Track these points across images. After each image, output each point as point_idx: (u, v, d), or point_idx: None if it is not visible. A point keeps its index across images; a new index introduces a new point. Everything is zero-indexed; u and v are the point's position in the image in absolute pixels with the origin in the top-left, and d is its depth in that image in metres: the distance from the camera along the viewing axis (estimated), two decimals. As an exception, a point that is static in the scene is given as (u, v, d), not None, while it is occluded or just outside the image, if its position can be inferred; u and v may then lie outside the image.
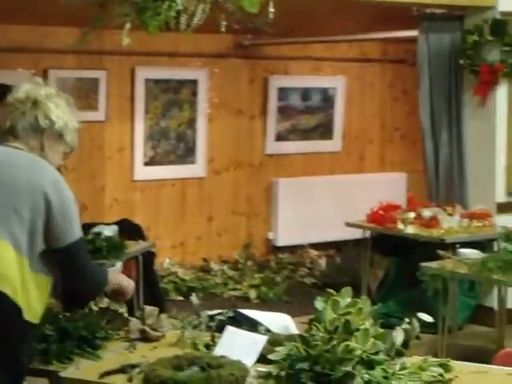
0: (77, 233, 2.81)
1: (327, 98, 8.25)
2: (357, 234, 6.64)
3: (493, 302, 5.87)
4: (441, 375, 2.93)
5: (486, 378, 3.00)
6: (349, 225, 6.58)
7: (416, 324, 3.05)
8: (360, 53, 8.40)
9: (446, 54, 6.63)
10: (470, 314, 6.50)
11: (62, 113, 2.89)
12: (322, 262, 7.90)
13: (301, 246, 8.07)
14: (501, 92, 6.55)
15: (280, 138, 8.11)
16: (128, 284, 3.10)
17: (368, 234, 6.52)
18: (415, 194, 6.95)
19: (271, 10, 3.99)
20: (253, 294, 7.12)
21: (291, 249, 8.08)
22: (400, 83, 8.57)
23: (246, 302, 6.94)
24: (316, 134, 8.29)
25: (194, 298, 3.51)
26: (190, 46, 7.34)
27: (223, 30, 4.00)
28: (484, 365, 3.16)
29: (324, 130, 8.33)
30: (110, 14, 3.93)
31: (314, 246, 8.11)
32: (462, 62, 6.51)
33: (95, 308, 3.41)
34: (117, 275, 3.13)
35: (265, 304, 6.83)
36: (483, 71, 6.41)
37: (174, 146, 7.62)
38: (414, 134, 7.56)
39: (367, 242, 6.55)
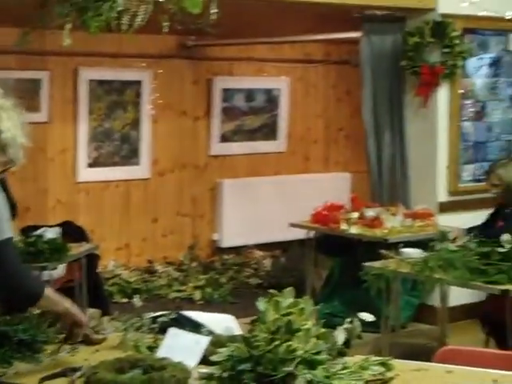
0: (5, 232, 2.77)
1: (271, 99, 8.27)
2: (301, 234, 6.66)
3: (435, 300, 5.93)
4: (382, 374, 2.95)
5: (426, 376, 3.03)
6: (293, 225, 6.60)
7: (357, 323, 3.08)
8: (303, 54, 8.45)
9: (388, 55, 6.69)
10: (412, 313, 6.58)
11: (12, 126, 2.85)
12: (267, 263, 7.91)
13: (246, 247, 8.07)
14: (441, 93, 6.64)
15: (224, 138, 8.12)
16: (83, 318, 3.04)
17: (312, 234, 6.55)
18: (359, 194, 7.01)
19: (214, 10, 3.99)
20: (197, 295, 7.11)
21: (236, 250, 8.08)
22: (343, 84, 8.63)
23: (190, 303, 6.93)
24: (260, 134, 8.31)
25: (136, 300, 3.49)
26: (133, 46, 7.31)
27: (166, 30, 3.99)
28: (425, 362, 3.19)
29: (268, 131, 8.36)
30: (51, 13, 3.89)
31: (259, 246, 8.12)
32: (403, 63, 6.58)
33: (37, 311, 3.37)
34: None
35: (209, 305, 6.82)
36: (424, 72, 6.49)
37: (117, 147, 7.58)
38: (358, 134, 7.61)
39: (311, 242, 6.58)
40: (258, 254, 8.04)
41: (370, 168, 6.86)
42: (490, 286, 4.58)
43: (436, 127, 6.67)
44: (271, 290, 3.02)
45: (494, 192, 5.47)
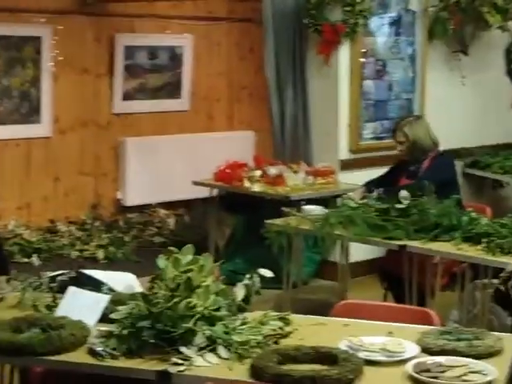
0: None
1: (174, 57, 8.20)
2: (205, 192, 6.67)
3: (336, 256, 6.03)
4: (281, 328, 3.01)
5: (324, 329, 3.10)
6: (196, 183, 6.61)
7: (256, 280, 3.12)
8: (206, 11, 8.37)
9: (291, 13, 6.70)
10: (314, 269, 6.69)
11: None
12: (171, 221, 7.90)
13: (150, 206, 8.04)
14: (343, 51, 6.70)
15: (128, 97, 8.01)
16: None
17: (215, 192, 6.57)
18: (262, 153, 7.04)
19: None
20: (101, 254, 7.06)
21: (140, 208, 8.03)
22: (247, 42, 8.60)
23: (93, 262, 6.87)
24: (164, 92, 8.24)
25: (35, 259, 3.46)
26: (31, 1, 7.11)
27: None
28: (323, 317, 3.26)
29: (172, 89, 8.29)
30: None
31: (163, 205, 8.09)
32: (305, 21, 6.61)
33: None
34: None
35: (113, 264, 6.78)
36: (326, 31, 6.54)
37: (17, 105, 7.41)
38: (262, 92, 7.62)
39: (214, 200, 6.60)
40: (162, 212, 8.01)
41: (273, 126, 6.90)
42: (388, 241, 4.68)
43: (338, 85, 6.73)
44: (172, 248, 3.03)
45: (400, 149, 5.53)
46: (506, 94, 8.05)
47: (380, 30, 6.95)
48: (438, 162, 5.47)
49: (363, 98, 6.88)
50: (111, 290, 3.28)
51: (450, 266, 5.03)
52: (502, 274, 4.13)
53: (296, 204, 5.62)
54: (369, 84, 6.93)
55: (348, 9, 6.53)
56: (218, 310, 2.92)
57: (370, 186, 5.50)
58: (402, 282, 4.78)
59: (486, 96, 7.81)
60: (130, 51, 7.92)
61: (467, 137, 7.49)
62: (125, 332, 2.83)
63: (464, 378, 2.62)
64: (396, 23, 7.05)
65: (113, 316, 2.89)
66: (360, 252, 6.19)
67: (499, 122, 7.92)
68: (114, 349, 2.78)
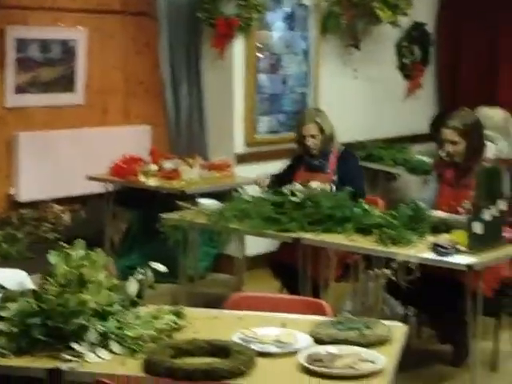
0: None
1: (68, 50, 8.06)
2: (101, 187, 6.59)
3: (233, 250, 6.05)
4: (174, 322, 3.00)
5: (218, 322, 3.11)
6: (91, 178, 6.53)
7: (150, 274, 3.10)
8: (100, 4, 8.26)
9: (185, 6, 6.68)
10: (211, 263, 6.70)
11: None
12: (66, 217, 7.78)
13: (44, 202, 7.89)
14: (238, 45, 6.72)
15: (20, 90, 7.84)
16: None
17: (111, 187, 6.50)
18: (159, 147, 7.00)
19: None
20: (-7, 251, 6.90)
21: (34, 204, 7.88)
22: (143, 36, 8.51)
23: (-15, 260, 6.72)
24: (58, 86, 8.09)
25: None
26: None
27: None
28: (217, 310, 3.27)
29: (66, 83, 8.14)
30: None
31: (59, 201, 7.95)
32: (199, 14, 6.60)
33: None
34: None
35: (6, 261, 6.63)
36: (220, 24, 6.54)
37: None
38: (158, 86, 7.56)
39: (110, 195, 6.53)
40: (57, 208, 7.87)
41: (169, 120, 6.87)
42: (282, 234, 4.72)
43: (232, 79, 6.76)
44: (64, 244, 2.99)
45: (311, 143, 5.45)
46: (398, 87, 8.23)
47: (274, 24, 7.00)
48: (350, 159, 5.53)
49: (258, 92, 6.92)
50: (1, 288, 3.21)
51: (344, 258, 5.11)
52: (392, 265, 4.22)
53: (192, 198, 5.61)
54: (263, 78, 6.98)
55: (242, 3, 6.56)
56: (110, 305, 2.90)
57: (274, 177, 5.50)
58: (297, 275, 4.83)
59: (379, 90, 7.96)
60: (22, 44, 7.75)
61: (360, 130, 7.63)
62: (15, 330, 2.78)
63: (354, 366, 2.66)
64: (290, 18, 7.11)
65: (1, 314, 2.84)
66: (256, 245, 6.23)
67: (391, 116, 8.09)
68: (4, 348, 2.73)
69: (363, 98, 7.80)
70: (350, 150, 5.74)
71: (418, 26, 8.18)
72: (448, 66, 8.50)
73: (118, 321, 2.85)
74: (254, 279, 6.11)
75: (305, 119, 5.55)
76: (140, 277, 3.06)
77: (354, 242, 4.49)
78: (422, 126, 8.37)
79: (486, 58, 8.26)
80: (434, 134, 7.21)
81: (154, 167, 6.29)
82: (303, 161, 5.55)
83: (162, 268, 3.16)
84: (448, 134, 4.82)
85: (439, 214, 4.66)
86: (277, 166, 5.81)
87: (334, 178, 5.44)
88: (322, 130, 5.46)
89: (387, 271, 4.32)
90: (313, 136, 5.46)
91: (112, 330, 2.80)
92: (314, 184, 5.11)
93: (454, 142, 4.80)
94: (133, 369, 2.67)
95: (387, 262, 4.37)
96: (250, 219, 4.82)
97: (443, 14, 8.44)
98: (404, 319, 4.97)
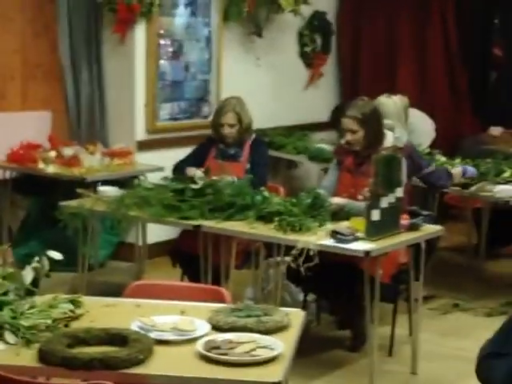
0: None
1: (-37, 33, 7.85)
2: (-2, 174, 6.46)
3: (134, 238, 6.01)
4: (71, 311, 2.96)
5: (116, 311, 3.09)
6: (-13, 165, 6.38)
7: (45, 262, 3.05)
8: (-2, -14, 8.07)
9: (85, -11, 6.59)
10: (112, 251, 6.64)
11: None
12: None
13: None
14: (139, 31, 6.66)
15: None
16: None
17: (8, 174, 6.37)
18: (59, 133, 6.88)
19: None
20: None
21: None
22: (42, 18, 8.34)
23: None
24: (-47, 70, 7.88)
25: None
26: None
27: None
28: (115, 298, 3.24)
29: (-38, 67, 7.93)
30: None
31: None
32: (100, -1, 6.53)
33: None
34: None
35: None
36: (121, 9, 6.47)
37: None
38: (58, 71, 7.44)
39: (8, 182, 6.40)
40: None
41: (68, 106, 6.77)
42: (183, 221, 4.71)
43: (134, 65, 6.69)
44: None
45: (228, 132, 5.41)
46: (300, 76, 8.29)
47: (176, 10, 6.96)
48: (260, 147, 5.56)
49: (160, 79, 6.87)
50: None
51: (245, 245, 5.13)
52: (293, 252, 4.26)
53: (92, 185, 5.55)
54: (165, 64, 6.93)
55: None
56: (5, 294, 2.84)
57: (182, 165, 5.47)
58: (197, 262, 4.83)
59: (281, 78, 8.02)
60: None
61: (263, 118, 7.63)
62: None
63: (252, 353, 2.68)
64: (192, 4, 7.08)
65: None
66: (158, 233, 6.20)
67: (293, 104, 8.15)
68: None
69: (265, 85, 7.83)
70: (261, 137, 5.77)
71: (319, 15, 8.25)
72: (349, 55, 8.61)
73: (13, 310, 2.79)
74: (156, 267, 6.09)
75: (225, 107, 5.53)
76: (35, 265, 3.01)
77: (255, 230, 4.51)
78: (323, 114, 8.47)
79: (386, 46, 8.40)
80: (334, 122, 7.30)
81: (53, 154, 6.19)
82: (217, 148, 5.54)
83: (57, 256, 3.11)
84: (347, 123, 4.89)
85: (337, 200, 4.73)
86: (178, 154, 5.79)
87: (247, 166, 5.45)
88: (240, 121, 5.46)
89: (287, 258, 4.35)
90: (230, 125, 5.45)
91: (6, 319, 2.74)
92: (198, 173, 5.09)
93: (352, 131, 4.87)
94: (27, 359, 2.63)
95: (287, 249, 4.40)
96: (150, 207, 4.80)
97: (343, 3, 8.54)
98: (304, 305, 5.04)
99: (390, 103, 5.90)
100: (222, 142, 5.51)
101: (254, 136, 5.57)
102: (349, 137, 4.89)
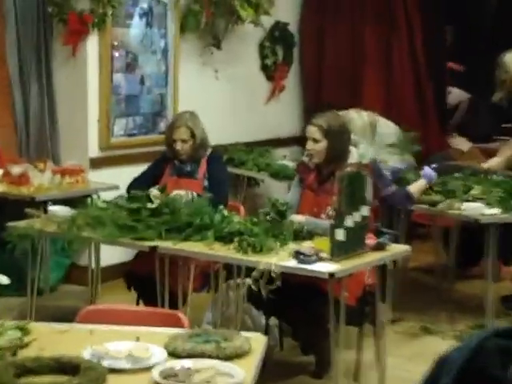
0: None
1: None
2: None
3: (87, 260, 5.96)
4: (19, 338, 2.93)
5: (67, 337, 3.06)
6: None
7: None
8: None
9: (34, 1, 6.55)
10: (63, 274, 6.60)
11: None
12: None
13: None
14: (91, 42, 6.64)
15: None
16: None
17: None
18: (6, 150, 6.83)
19: None
20: None
21: None
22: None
23: None
24: None
25: None
26: None
27: None
28: (67, 324, 3.22)
29: None
30: None
31: None
32: (50, 10, 6.49)
33: None
34: None
35: None
36: (72, 20, 6.45)
37: None
38: (6, 85, 7.40)
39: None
40: None
41: (16, 122, 6.72)
42: (139, 242, 4.68)
43: (86, 78, 6.67)
44: None
45: (180, 148, 5.41)
46: (261, 89, 8.32)
47: (131, 21, 6.95)
48: (216, 162, 5.57)
49: (114, 93, 6.86)
50: None
51: (204, 267, 5.13)
52: (253, 273, 4.26)
53: (42, 205, 5.51)
54: (119, 78, 6.92)
55: (94, -3, 6.49)
56: None
57: (136, 184, 5.45)
58: (153, 286, 4.81)
59: (241, 91, 8.04)
60: None
61: (222, 133, 7.65)
62: None
63: (211, 381, 2.67)
64: (147, 15, 7.07)
65: None
66: (112, 255, 6.17)
67: (253, 119, 8.17)
68: None
69: (225, 99, 7.85)
70: (217, 152, 5.77)
71: (280, 26, 8.30)
72: (312, 68, 8.65)
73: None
74: (110, 291, 6.05)
75: (176, 122, 5.54)
76: (-19, 290, 2.98)
77: (214, 251, 4.50)
78: (286, 129, 8.51)
79: (350, 59, 8.44)
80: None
81: (0, 172, 6.13)
82: (173, 165, 5.54)
83: (5, 280, 3.08)
84: (311, 130, 4.92)
85: (298, 218, 4.74)
86: (134, 171, 5.77)
87: (205, 183, 5.45)
88: (193, 135, 5.46)
89: (248, 280, 4.35)
90: (183, 140, 5.46)
91: None
92: (179, 191, 5.09)
93: (315, 140, 4.89)
94: (-27, 390, 2.60)
95: (248, 270, 4.40)
96: (103, 227, 4.77)
97: (306, 14, 8.58)
98: (266, 330, 5.04)
99: (357, 118, 5.94)
100: (177, 158, 5.51)
101: (210, 151, 5.58)
102: (310, 145, 4.91)
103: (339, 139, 4.92)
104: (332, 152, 4.89)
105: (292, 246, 4.43)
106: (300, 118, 8.63)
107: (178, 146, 5.46)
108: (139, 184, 5.39)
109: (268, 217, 4.62)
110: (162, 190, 5.11)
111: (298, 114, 8.71)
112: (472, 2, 9.27)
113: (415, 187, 5.49)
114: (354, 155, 5.04)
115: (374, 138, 6.17)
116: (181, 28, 7.25)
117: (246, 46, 8.01)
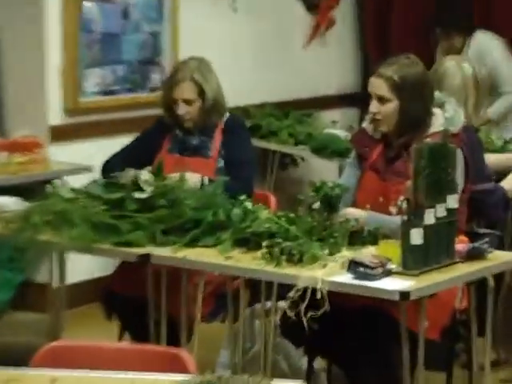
0: None
1: None
2: None
3: (46, 275, 6.00)
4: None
5: (19, 388, 3.08)
6: None
7: None
8: None
9: None
10: (12, 296, 6.63)
11: None
12: None
13: None
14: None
15: None
16: None
17: None
18: None
19: None
20: None
21: None
22: None
23: None
24: None
25: None
26: None
27: None
28: (19, 368, 3.23)
29: None
30: None
31: None
32: None
33: None
34: None
35: None
36: None
37: None
38: None
39: None
40: None
41: None
42: (122, 249, 4.69)
43: (43, 13, 6.69)
44: None
45: (185, 112, 5.43)
46: (298, 25, 8.31)
47: None
48: (236, 131, 5.57)
49: (84, 31, 6.86)
50: None
51: (217, 285, 5.14)
52: (290, 294, 4.25)
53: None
54: (92, 9, 6.93)
55: None
56: None
57: (116, 162, 5.48)
58: (144, 311, 4.82)
59: (269, 29, 8.03)
60: None
61: (242, 90, 7.66)
62: None
63: None
64: None
65: None
66: (83, 267, 6.21)
67: (288, 69, 8.17)
68: None
69: (245, 41, 7.85)
70: (238, 119, 5.77)
71: None
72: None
73: None
74: (81, 320, 6.09)
75: (178, 74, 5.54)
76: None
77: (233, 261, 4.51)
78: (335, 83, 8.51)
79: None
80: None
81: None
82: (174, 137, 5.56)
83: None
84: (376, 85, 4.88)
85: (356, 212, 4.72)
86: (113, 146, 5.78)
87: (220, 164, 5.46)
88: (202, 93, 5.47)
89: (282, 304, 4.35)
90: (188, 101, 5.47)
91: None
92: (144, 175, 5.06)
93: (382, 99, 4.86)
94: None
95: (283, 290, 4.40)
96: (71, 227, 4.78)
97: None
98: (308, 376, 5.04)
99: (454, 70, 5.86)
100: (179, 127, 5.53)
101: (227, 116, 5.58)
102: (374, 106, 4.88)
103: (417, 97, 4.89)
104: (407, 116, 4.86)
105: (346, 254, 4.43)
106: (356, 68, 8.63)
107: (181, 109, 5.47)
108: (122, 163, 5.40)
109: (312, 210, 4.61)
110: (158, 173, 5.10)
111: (354, 61, 8.71)
112: None
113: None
114: (439, 119, 5.00)
115: (480, 101, 6.07)
116: None
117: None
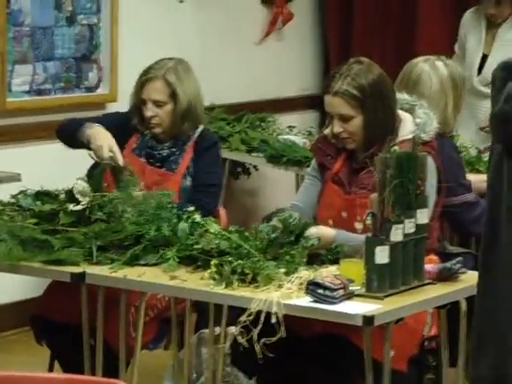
0: None
1: None
2: None
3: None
4: None
5: None
6: None
7: None
8: None
9: None
10: None
11: None
12: None
13: None
14: None
15: None
16: None
17: None
18: None
19: None
20: None
21: None
22: None
23: None
24: None
25: None
26: None
27: None
28: None
29: None
30: None
31: None
32: None
33: None
34: None
35: None
36: None
37: None
38: None
39: None
40: None
41: None
42: (54, 267, 4.69)
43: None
44: None
45: (152, 115, 5.44)
46: (252, 18, 8.33)
47: None
48: (212, 148, 5.60)
49: (12, 23, 6.86)
50: None
51: (162, 309, 5.16)
52: (242, 318, 4.27)
53: None
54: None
55: None
56: None
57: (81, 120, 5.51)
58: (78, 338, 4.83)
59: (218, 22, 8.05)
60: None
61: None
62: None
63: None
64: None
65: None
66: (8, 289, 6.20)
67: (240, 68, 8.19)
68: None
69: (192, 35, 7.86)
70: (211, 136, 5.73)
71: None
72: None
73: None
74: (6, 348, 6.07)
75: (149, 71, 5.54)
76: None
77: (178, 281, 4.52)
78: (294, 84, 8.53)
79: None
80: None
81: None
82: (143, 136, 5.57)
83: None
84: (334, 104, 4.86)
85: (325, 231, 4.73)
86: (44, 151, 5.79)
87: (186, 182, 5.46)
88: (174, 96, 5.47)
89: (233, 329, 4.38)
90: (157, 103, 5.47)
91: None
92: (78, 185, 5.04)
93: (343, 117, 4.86)
94: None
95: (234, 313, 4.42)
96: (-5, 243, 4.79)
97: None
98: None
99: (429, 72, 5.86)
100: (150, 134, 5.53)
101: (201, 129, 5.58)
102: (337, 128, 4.87)
103: (380, 104, 4.88)
104: (373, 128, 4.85)
105: (304, 274, 4.45)
106: (317, 67, 8.66)
107: (149, 110, 5.47)
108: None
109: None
110: (96, 182, 5.09)
111: (314, 59, 8.74)
112: None
113: None
114: (408, 125, 4.99)
115: (460, 101, 6.08)
116: None
117: None
